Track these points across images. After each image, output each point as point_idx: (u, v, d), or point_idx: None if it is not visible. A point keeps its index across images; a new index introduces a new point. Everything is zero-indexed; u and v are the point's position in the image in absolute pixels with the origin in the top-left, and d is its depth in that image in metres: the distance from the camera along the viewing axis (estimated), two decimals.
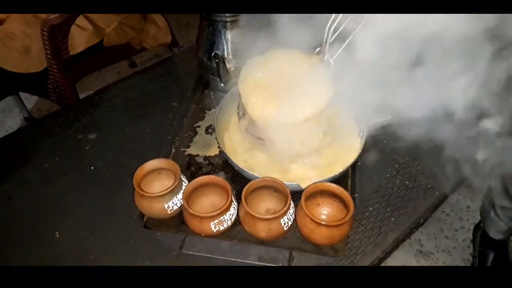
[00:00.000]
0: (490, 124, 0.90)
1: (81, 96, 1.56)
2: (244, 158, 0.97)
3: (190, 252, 0.84)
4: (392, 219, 0.91)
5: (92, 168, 1.03)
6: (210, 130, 1.11)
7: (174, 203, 0.86)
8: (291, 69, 0.91)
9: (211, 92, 1.21)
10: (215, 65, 1.09)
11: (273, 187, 0.87)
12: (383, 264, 0.89)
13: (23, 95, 1.90)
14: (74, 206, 0.95)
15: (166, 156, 1.03)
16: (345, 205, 0.83)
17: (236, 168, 0.93)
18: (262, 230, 0.81)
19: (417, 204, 0.94)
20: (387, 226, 0.89)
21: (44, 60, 1.40)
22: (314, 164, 0.95)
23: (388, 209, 0.92)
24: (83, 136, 1.11)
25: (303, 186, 0.86)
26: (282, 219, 0.81)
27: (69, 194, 0.97)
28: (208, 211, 0.81)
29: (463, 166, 0.95)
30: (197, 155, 1.05)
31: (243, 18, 1.05)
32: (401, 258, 1.55)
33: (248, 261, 0.83)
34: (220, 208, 0.81)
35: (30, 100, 2.20)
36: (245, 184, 0.84)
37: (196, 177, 0.87)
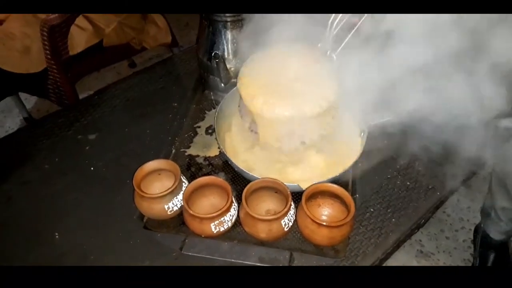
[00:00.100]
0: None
1: (81, 97, 1.55)
2: (244, 158, 0.97)
3: (190, 253, 0.84)
4: (393, 220, 0.91)
5: (92, 168, 1.02)
6: (210, 131, 1.11)
7: (174, 204, 0.86)
8: (293, 64, 0.91)
9: (211, 93, 1.21)
10: (215, 65, 1.09)
11: (273, 188, 0.87)
12: (383, 265, 0.89)
13: (22, 95, 1.89)
14: (74, 207, 0.94)
15: (166, 156, 1.03)
16: (346, 206, 0.82)
17: (236, 169, 0.93)
18: (262, 231, 0.81)
19: (418, 205, 0.94)
20: (388, 227, 0.89)
21: (44, 60, 1.40)
22: (314, 165, 0.95)
23: (389, 210, 0.92)
24: (83, 136, 1.11)
25: (304, 187, 0.85)
26: (283, 220, 0.81)
27: (69, 195, 0.97)
28: (208, 212, 0.80)
29: (464, 166, 0.95)
30: (197, 156, 1.05)
31: (244, 18, 1.05)
32: (401, 259, 1.55)
33: (249, 262, 0.83)
34: (220, 209, 0.80)
35: (29, 100, 2.20)
36: (246, 185, 0.84)
37: (196, 177, 0.87)
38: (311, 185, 0.85)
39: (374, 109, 0.95)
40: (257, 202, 0.89)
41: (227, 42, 1.08)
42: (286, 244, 0.86)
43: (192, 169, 1.02)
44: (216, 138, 0.98)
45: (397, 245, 0.89)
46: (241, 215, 0.84)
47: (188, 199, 0.84)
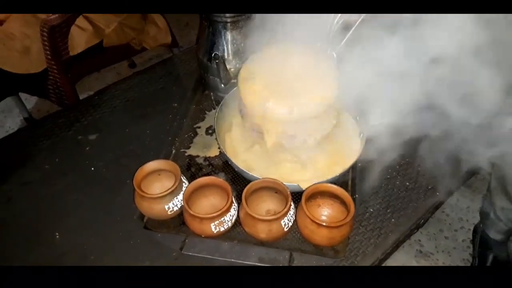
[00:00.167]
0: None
1: (81, 97, 1.56)
2: (244, 158, 0.97)
3: (191, 253, 0.84)
4: (393, 220, 0.91)
5: (92, 168, 1.03)
6: (210, 131, 1.11)
7: (174, 204, 0.86)
8: (293, 63, 0.91)
9: (211, 93, 1.21)
10: (215, 65, 1.09)
11: (273, 188, 0.87)
12: (383, 265, 0.89)
13: (23, 95, 1.90)
14: (74, 207, 0.95)
15: (166, 157, 1.03)
16: (346, 206, 0.83)
17: (236, 169, 0.93)
18: (262, 231, 0.81)
19: (417, 205, 0.94)
20: (388, 227, 0.89)
21: (44, 60, 1.40)
22: (314, 165, 0.95)
23: (388, 210, 0.93)
24: (83, 136, 1.11)
25: (304, 187, 0.86)
26: (283, 220, 0.81)
27: (69, 195, 0.97)
28: (209, 212, 0.81)
29: (463, 166, 0.95)
30: (197, 156, 1.05)
31: (244, 18, 1.05)
32: (401, 259, 1.55)
33: (249, 262, 0.83)
34: (220, 209, 0.80)
35: (30, 100, 2.20)
36: (246, 185, 0.84)
37: (197, 178, 0.87)
38: (311, 186, 0.85)
39: (373, 108, 0.95)
40: (257, 202, 0.89)
41: (227, 43, 1.08)
42: (286, 244, 0.87)
43: (192, 169, 1.02)
44: (216, 139, 0.99)
45: (397, 245, 0.89)
46: (241, 215, 0.85)
47: (188, 199, 0.84)
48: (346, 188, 0.92)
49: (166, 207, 0.85)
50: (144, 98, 1.23)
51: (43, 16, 1.32)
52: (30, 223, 0.92)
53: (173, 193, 0.85)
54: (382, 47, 0.80)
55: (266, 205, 0.90)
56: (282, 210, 0.79)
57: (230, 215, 0.84)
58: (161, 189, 0.84)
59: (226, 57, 1.09)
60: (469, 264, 1.54)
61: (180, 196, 0.87)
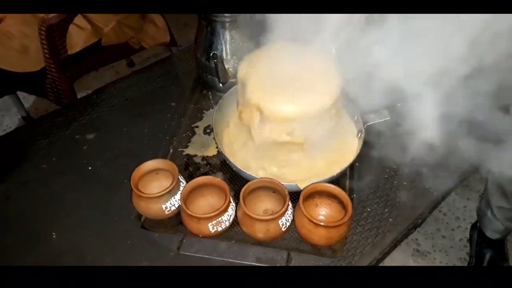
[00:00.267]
0: None
1: (79, 96, 1.55)
2: (242, 158, 0.97)
3: (188, 253, 0.84)
4: (390, 219, 0.91)
5: (90, 168, 1.03)
6: (208, 131, 1.11)
7: (172, 204, 0.86)
8: (293, 60, 0.91)
9: (210, 92, 1.21)
10: (213, 65, 1.09)
11: (271, 188, 0.87)
12: (380, 264, 0.89)
13: (21, 94, 1.89)
14: (72, 206, 0.95)
15: (164, 156, 1.03)
16: (343, 206, 0.83)
17: (234, 168, 0.93)
18: (260, 231, 0.81)
19: (415, 204, 0.94)
20: (385, 227, 0.90)
21: (42, 59, 1.40)
22: (312, 165, 0.95)
23: (386, 210, 0.93)
24: (81, 136, 1.11)
25: (301, 186, 0.86)
26: (280, 220, 0.81)
27: (67, 194, 0.97)
28: (206, 212, 0.81)
29: (461, 166, 0.96)
30: (195, 156, 1.05)
31: (242, 18, 1.05)
32: (398, 258, 1.55)
33: (246, 262, 0.83)
34: (218, 209, 0.81)
35: (28, 99, 2.20)
36: (243, 185, 0.84)
37: (194, 177, 0.87)
38: (308, 185, 0.85)
39: (372, 106, 0.96)
40: (254, 202, 0.89)
41: (225, 42, 1.08)
42: (284, 244, 0.87)
43: (190, 168, 1.02)
44: (214, 138, 0.99)
45: (394, 245, 0.89)
46: (239, 215, 0.85)
47: (185, 199, 0.84)
48: (343, 188, 0.93)
49: (164, 206, 0.85)
50: (143, 97, 1.23)
51: (41, 15, 1.31)
52: (28, 223, 0.92)
53: (171, 192, 0.85)
54: (383, 41, 0.80)
55: (263, 205, 0.91)
56: (280, 210, 0.80)
57: (228, 215, 0.84)
58: (158, 189, 0.84)
59: (224, 56, 1.10)
60: (466, 263, 1.54)
61: (178, 196, 0.87)
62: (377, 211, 0.93)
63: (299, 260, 0.84)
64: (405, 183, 0.98)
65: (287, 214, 0.83)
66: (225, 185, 0.85)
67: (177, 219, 0.89)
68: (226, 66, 1.09)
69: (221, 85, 1.13)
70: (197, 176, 0.88)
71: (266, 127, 0.89)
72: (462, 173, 1.01)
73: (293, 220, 0.85)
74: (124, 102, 1.21)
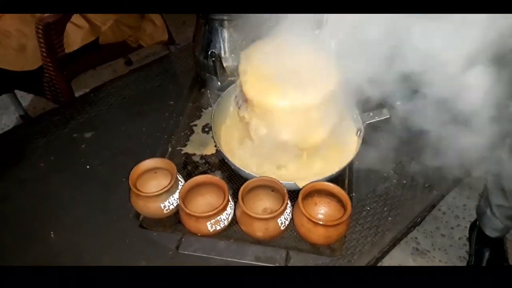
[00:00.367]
0: None
1: (77, 94, 1.55)
2: (240, 156, 0.97)
3: (187, 252, 0.84)
4: (389, 218, 0.91)
5: (88, 167, 1.02)
6: (206, 129, 1.10)
7: (170, 203, 0.85)
8: (292, 53, 0.90)
9: (208, 91, 1.20)
10: (211, 63, 1.09)
11: (270, 187, 0.87)
12: (379, 263, 0.89)
13: (18, 93, 1.89)
14: (70, 205, 0.94)
15: (163, 155, 1.03)
16: (342, 205, 0.83)
17: (233, 167, 0.93)
18: (259, 230, 0.81)
19: (414, 203, 0.94)
20: (384, 226, 0.89)
21: (40, 58, 1.40)
22: (311, 163, 0.95)
23: (385, 209, 0.92)
24: (79, 134, 1.10)
25: (300, 185, 0.85)
26: (279, 219, 0.81)
27: (65, 193, 0.96)
28: (205, 210, 0.80)
29: (460, 164, 0.95)
30: (194, 154, 1.04)
31: (240, 16, 1.05)
32: (397, 257, 1.55)
33: (245, 261, 0.83)
34: (216, 208, 0.80)
35: (25, 98, 2.19)
36: (242, 183, 0.84)
37: (193, 176, 0.87)
38: (307, 184, 0.84)
39: (372, 102, 0.95)
40: (253, 201, 0.89)
41: (223, 41, 1.08)
42: (283, 242, 0.86)
43: (188, 167, 1.01)
44: (212, 137, 0.98)
45: (394, 244, 0.89)
46: (238, 213, 0.84)
47: (184, 197, 0.83)
48: (343, 187, 0.92)
49: (162, 205, 0.85)
50: (140, 95, 1.22)
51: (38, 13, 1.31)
52: (26, 222, 0.91)
53: (169, 191, 0.84)
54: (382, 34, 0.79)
55: (262, 204, 0.90)
56: (279, 209, 0.79)
57: (227, 214, 0.83)
58: (157, 188, 0.84)
59: (222, 54, 1.09)
60: (465, 262, 1.54)
61: (176, 195, 0.86)
62: (376, 209, 0.92)
63: (298, 259, 0.83)
64: (404, 181, 0.98)
65: (286, 213, 0.82)
66: (223, 184, 0.84)
67: (175, 218, 0.89)
68: (225, 64, 1.09)
69: (219, 83, 1.13)
70: (195, 175, 0.87)
71: (264, 124, 0.89)
72: (462, 172, 1.01)
73: (292, 219, 0.85)
74: (122, 100, 1.20)
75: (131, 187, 0.83)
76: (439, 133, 0.97)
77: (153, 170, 0.90)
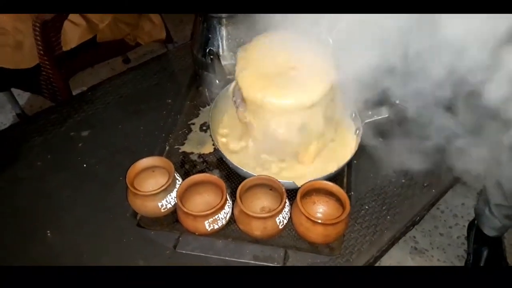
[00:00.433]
0: None
1: (74, 92, 1.54)
2: (238, 155, 0.96)
3: (184, 251, 0.83)
4: (388, 217, 0.90)
5: (85, 165, 1.02)
6: (204, 128, 1.10)
7: (168, 202, 0.85)
8: (289, 50, 0.90)
9: (206, 89, 1.20)
10: (210, 61, 1.08)
11: (268, 185, 0.86)
12: (378, 262, 0.89)
13: (15, 91, 1.88)
14: (67, 204, 0.93)
15: (160, 153, 1.02)
16: (341, 203, 0.82)
17: (231, 165, 0.92)
18: (257, 229, 0.80)
19: (412, 202, 0.94)
20: (383, 225, 0.89)
21: (37, 56, 1.39)
22: (310, 162, 0.94)
23: (384, 208, 0.92)
24: (76, 133, 1.10)
25: (299, 184, 0.85)
26: (277, 218, 0.80)
27: (62, 192, 0.96)
28: (202, 209, 0.80)
29: (459, 164, 0.95)
30: (192, 153, 1.04)
31: (239, 14, 1.04)
32: (395, 255, 1.55)
33: (243, 260, 0.82)
34: (214, 207, 0.80)
35: (22, 96, 2.18)
36: (240, 182, 0.83)
37: (190, 175, 0.86)
38: (306, 183, 0.84)
39: (370, 101, 0.95)
40: (251, 200, 0.88)
41: (221, 39, 1.07)
42: (281, 241, 0.86)
43: (186, 166, 1.01)
44: (210, 135, 0.98)
45: (392, 243, 0.88)
46: (236, 212, 0.84)
47: (182, 196, 0.83)
48: (341, 185, 0.92)
49: (160, 204, 0.84)
50: (138, 94, 1.21)
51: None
52: (23, 221, 0.91)
53: (167, 190, 0.84)
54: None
55: (260, 202, 0.90)
56: (277, 208, 0.79)
57: (224, 213, 0.83)
58: (154, 186, 0.84)
59: (221, 53, 1.08)
60: (463, 261, 1.54)
61: (174, 194, 0.86)
62: (375, 208, 0.92)
63: (296, 258, 0.83)
64: (403, 180, 0.98)
65: (285, 211, 0.82)
66: (221, 183, 0.84)
67: (173, 217, 0.88)
68: (223, 62, 1.08)
69: (217, 81, 1.12)
70: (193, 174, 0.87)
71: (262, 123, 0.88)
72: (461, 171, 1.01)
73: (290, 218, 0.84)
74: (120, 99, 1.20)
75: (129, 186, 0.83)
76: (438, 132, 0.97)
77: (151, 168, 0.89)
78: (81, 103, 1.18)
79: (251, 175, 0.86)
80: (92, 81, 1.33)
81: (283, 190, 0.82)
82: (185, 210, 0.79)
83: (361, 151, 0.94)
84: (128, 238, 0.87)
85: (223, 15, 1.04)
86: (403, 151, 1.02)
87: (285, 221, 0.83)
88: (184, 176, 0.88)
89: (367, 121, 0.97)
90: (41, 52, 1.37)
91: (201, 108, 1.16)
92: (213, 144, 1.03)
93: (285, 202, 0.81)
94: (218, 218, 0.82)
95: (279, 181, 0.83)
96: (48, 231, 0.88)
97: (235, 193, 0.81)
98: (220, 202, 0.81)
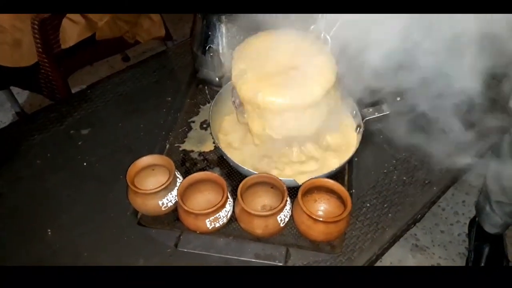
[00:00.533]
0: None
1: (73, 91, 1.54)
2: (239, 153, 0.96)
3: (185, 250, 0.83)
4: (390, 215, 0.90)
5: (85, 164, 1.01)
6: (205, 125, 1.09)
7: (168, 200, 0.85)
8: (287, 49, 0.89)
9: (206, 87, 1.19)
10: (209, 59, 1.08)
11: (269, 183, 0.86)
12: (379, 259, 0.88)
13: (14, 89, 1.87)
14: (67, 203, 0.93)
15: (160, 152, 1.02)
16: (342, 201, 0.82)
17: (231, 163, 0.92)
18: (258, 227, 0.80)
19: (414, 199, 0.93)
20: (385, 222, 0.89)
21: (35, 54, 1.38)
22: (311, 160, 0.94)
23: (385, 205, 0.92)
24: (76, 131, 1.09)
25: (300, 182, 0.85)
26: (279, 216, 0.80)
27: (62, 191, 0.95)
28: (203, 208, 0.79)
29: (460, 161, 0.95)
30: (192, 151, 1.03)
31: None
32: (396, 253, 1.55)
33: (244, 258, 0.82)
34: (215, 205, 0.79)
35: (21, 94, 2.17)
36: (241, 180, 0.83)
37: (191, 173, 0.86)
38: (307, 180, 0.84)
39: (371, 98, 0.94)
40: (252, 198, 0.88)
41: (221, 36, 1.06)
42: (282, 240, 0.86)
43: (186, 164, 1.00)
44: (211, 133, 0.97)
45: (394, 240, 0.88)
46: (237, 211, 0.84)
47: (182, 194, 0.83)
48: (342, 183, 0.92)
49: (160, 203, 0.84)
50: (138, 92, 1.21)
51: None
52: (22, 220, 0.90)
53: (167, 188, 0.83)
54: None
55: (261, 201, 0.89)
56: (278, 206, 0.78)
57: (226, 211, 0.83)
58: (155, 185, 0.83)
59: (220, 50, 1.08)
60: (464, 258, 1.54)
61: (175, 192, 0.85)
62: (377, 206, 0.92)
63: (298, 256, 0.83)
64: (404, 178, 0.97)
65: (286, 209, 0.81)
66: (222, 181, 0.83)
67: (174, 215, 0.88)
68: (223, 60, 1.08)
69: (217, 79, 1.12)
70: (194, 172, 0.86)
71: (261, 122, 0.88)
72: (462, 168, 1.00)
73: (291, 216, 0.84)
74: (119, 97, 1.19)
75: (129, 184, 0.82)
76: (439, 129, 0.96)
77: (151, 167, 0.89)
78: (80, 101, 1.17)
79: (252, 173, 0.86)
80: (91, 79, 1.32)
81: (284, 188, 0.81)
82: (186, 208, 0.79)
83: (362, 148, 0.94)
84: (128, 237, 0.86)
85: None
86: (404, 149, 1.02)
87: (287, 219, 0.82)
88: (185, 174, 0.88)
89: (368, 118, 0.96)
90: (40, 50, 1.36)
91: (201, 106, 1.15)
92: (214, 142, 1.02)
93: (286, 200, 0.81)
94: (219, 217, 0.81)
95: (280, 179, 0.83)
96: (49, 230, 0.88)
97: (236, 191, 0.81)
98: (221, 200, 0.80)
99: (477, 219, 1.49)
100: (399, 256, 1.55)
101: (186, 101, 1.17)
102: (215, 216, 0.81)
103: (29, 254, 0.85)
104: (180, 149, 1.04)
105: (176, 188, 0.85)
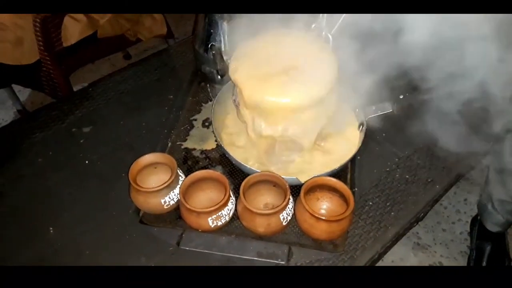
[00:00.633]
0: None
1: (75, 88, 1.53)
2: (242, 151, 0.96)
3: (188, 248, 0.83)
4: (392, 213, 0.90)
5: (87, 162, 1.01)
6: (207, 123, 1.09)
7: (170, 198, 0.84)
8: (288, 48, 0.89)
9: (208, 85, 1.19)
10: (211, 57, 1.07)
11: (271, 182, 0.85)
12: (382, 259, 0.88)
13: (16, 87, 1.87)
14: (69, 201, 0.93)
15: (162, 150, 1.01)
16: (345, 200, 0.82)
17: (234, 162, 0.92)
18: (260, 226, 0.80)
19: (417, 198, 0.93)
20: (387, 221, 0.88)
21: (37, 51, 1.38)
22: (313, 158, 0.94)
23: (388, 204, 0.92)
24: (77, 129, 1.09)
25: (302, 180, 0.84)
26: (281, 214, 0.80)
27: (63, 189, 0.95)
28: (206, 206, 0.79)
29: (463, 158, 0.95)
30: (194, 149, 1.03)
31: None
32: (398, 251, 1.55)
33: (247, 257, 0.82)
34: (217, 203, 0.79)
35: (23, 92, 2.17)
36: (243, 178, 0.83)
37: (193, 171, 0.86)
38: (309, 179, 0.83)
39: (372, 97, 0.94)
40: (255, 196, 0.88)
41: (223, 33, 1.06)
42: (285, 238, 0.86)
43: (188, 162, 1.00)
44: (213, 131, 0.97)
45: (396, 239, 0.88)
46: (239, 209, 0.83)
47: (185, 193, 0.82)
48: (345, 181, 0.91)
49: (162, 201, 0.84)
50: (139, 90, 1.21)
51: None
52: (24, 218, 0.90)
53: (170, 186, 0.83)
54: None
55: (264, 199, 0.89)
56: (281, 204, 0.78)
57: (228, 209, 0.82)
58: (157, 183, 0.83)
59: (222, 48, 1.07)
60: (466, 257, 1.53)
61: (177, 190, 0.85)
62: (379, 205, 0.92)
63: (300, 255, 0.83)
64: (407, 176, 0.97)
65: (288, 208, 0.81)
66: (224, 179, 0.83)
67: (176, 214, 0.88)
68: (225, 58, 1.07)
69: (219, 77, 1.11)
70: (196, 170, 0.86)
71: (261, 122, 0.88)
72: (464, 167, 1.00)
73: (294, 214, 0.84)
74: (121, 95, 1.19)
75: (131, 182, 0.82)
76: (442, 127, 0.96)
77: (153, 165, 0.89)
78: (82, 99, 1.17)
79: (254, 171, 0.85)
80: (93, 77, 1.32)
81: (287, 186, 0.81)
82: (188, 206, 0.79)
83: (365, 146, 0.94)
84: (130, 235, 0.86)
85: None
86: (406, 147, 1.01)
87: (289, 218, 0.82)
88: (187, 173, 0.88)
89: (371, 116, 0.96)
90: (42, 48, 1.36)
91: (203, 104, 1.15)
92: (216, 140, 1.02)
93: (289, 199, 0.80)
94: (221, 215, 0.81)
95: (282, 177, 0.83)
96: (51, 228, 0.88)
97: (238, 190, 0.81)
98: (223, 198, 0.80)
99: (479, 217, 1.49)
100: (400, 254, 1.54)
101: (188, 99, 1.16)
102: (217, 214, 0.80)
103: (30, 252, 0.84)
104: (182, 147, 1.04)
105: (178, 186, 0.85)
